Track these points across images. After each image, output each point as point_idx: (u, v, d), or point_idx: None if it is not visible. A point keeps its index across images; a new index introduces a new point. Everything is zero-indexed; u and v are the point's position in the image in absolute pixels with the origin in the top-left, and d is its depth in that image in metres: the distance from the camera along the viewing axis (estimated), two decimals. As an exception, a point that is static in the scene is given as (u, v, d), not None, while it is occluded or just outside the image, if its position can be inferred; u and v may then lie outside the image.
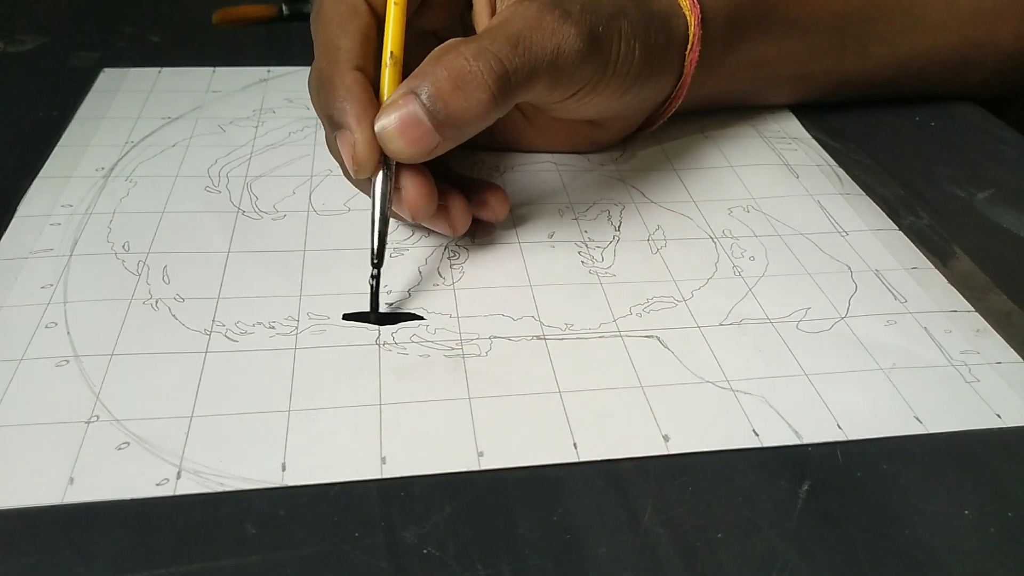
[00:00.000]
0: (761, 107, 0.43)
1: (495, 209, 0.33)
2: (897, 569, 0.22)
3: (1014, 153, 0.41)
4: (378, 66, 0.29)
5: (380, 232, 0.29)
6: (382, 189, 0.28)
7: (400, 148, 0.27)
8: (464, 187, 0.33)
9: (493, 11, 0.31)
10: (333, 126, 0.28)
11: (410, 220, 0.30)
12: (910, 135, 0.42)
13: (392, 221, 0.33)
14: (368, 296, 0.29)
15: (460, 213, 0.31)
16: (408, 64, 0.29)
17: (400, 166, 0.29)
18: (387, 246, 0.30)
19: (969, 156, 0.40)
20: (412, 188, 0.29)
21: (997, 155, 0.41)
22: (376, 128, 0.27)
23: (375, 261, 0.29)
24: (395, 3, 0.30)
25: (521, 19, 0.28)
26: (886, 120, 0.43)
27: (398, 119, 0.27)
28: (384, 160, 0.28)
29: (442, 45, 0.28)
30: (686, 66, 0.35)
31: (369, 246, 0.29)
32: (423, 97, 0.27)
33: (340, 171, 0.31)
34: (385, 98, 0.29)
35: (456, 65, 0.27)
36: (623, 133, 0.38)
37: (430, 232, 0.33)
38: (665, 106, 0.37)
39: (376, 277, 0.29)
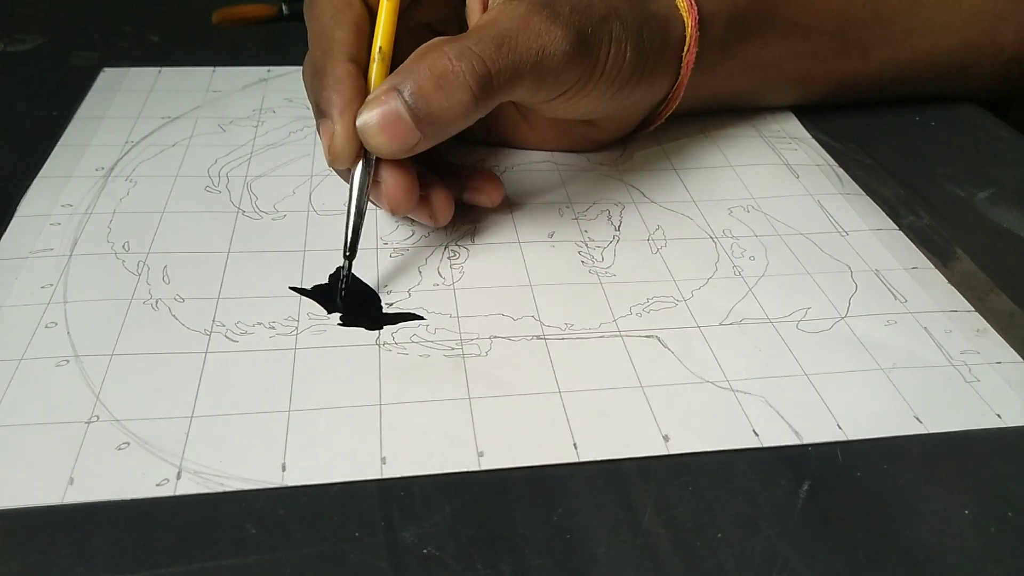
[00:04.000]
0: (761, 107, 0.43)
1: (490, 194, 0.33)
2: (897, 569, 0.22)
3: (1014, 153, 0.41)
4: (369, 59, 0.30)
5: (355, 225, 0.29)
6: (360, 182, 0.29)
7: (380, 144, 0.28)
8: (458, 175, 0.33)
9: (485, 6, 0.31)
10: (318, 114, 0.29)
11: (389, 213, 0.30)
12: (910, 135, 0.42)
13: (388, 218, 0.33)
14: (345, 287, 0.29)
15: (442, 204, 0.31)
16: (403, 57, 0.29)
17: (381, 159, 0.29)
18: (372, 239, 0.31)
19: (969, 156, 0.40)
20: (392, 182, 0.29)
21: (997, 155, 0.41)
22: (358, 122, 0.28)
23: (347, 253, 0.29)
24: None
25: (508, 19, 0.28)
26: (886, 120, 0.43)
27: (380, 115, 0.27)
28: (364, 153, 0.29)
29: (427, 43, 0.28)
30: (683, 68, 0.35)
31: (343, 237, 0.29)
32: (405, 95, 0.27)
33: None
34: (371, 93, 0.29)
35: (439, 64, 0.27)
36: (619, 133, 0.38)
37: (430, 232, 0.33)
38: (662, 107, 0.37)
39: (347, 269, 0.29)
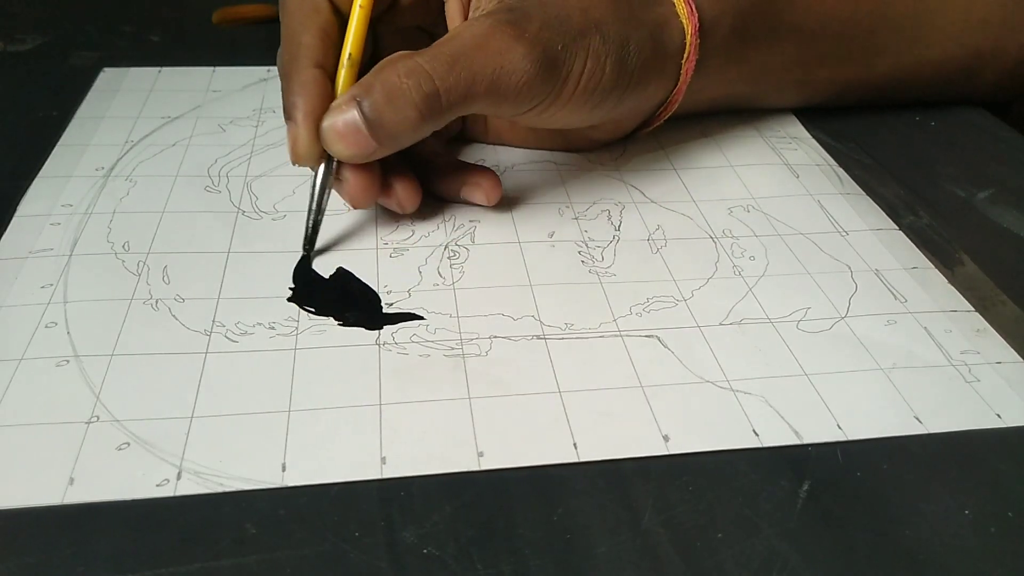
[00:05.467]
0: (763, 109, 0.43)
1: (487, 192, 0.33)
2: (897, 569, 0.22)
3: (1014, 153, 0.41)
4: (337, 64, 0.31)
5: (315, 220, 0.31)
6: (321, 181, 0.31)
7: (340, 150, 0.29)
8: (457, 170, 0.34)
9: (465, 13, 0.32)
10: (285, 115, 0.30)
11: (350, 206, 0.32)
12: (910, 135, 0.42)
13: (388, 218, 0.33)
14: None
15: (407, 192, 0.32)
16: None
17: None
18: (372, 239, 0.32)
19: (969, 156, 0.40)
20: (352, 180, 0.31)
21: (997, 155, 0.41)
22: (321, 127, 0.29)
23: (306, 247, 0.31)
24: (360, 5, 0.30)
25: (469, 36, 0.29)
26: (886, 120, 0.43)
27: (340, 124, 0.29)
28: (327, 153, 0.30)
29: (389, 57, 0.29)
30: (682, 75, 0.34)
31: (303, 231, 0.31)
32: (364, 106, 0.28)
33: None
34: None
35: (390, 81, 0.28)
36: (617, 134, 0.38)
37: (430, 232, 0.33)
38: (661, 110, 0.36)
39: (305, 261, 0.31)
